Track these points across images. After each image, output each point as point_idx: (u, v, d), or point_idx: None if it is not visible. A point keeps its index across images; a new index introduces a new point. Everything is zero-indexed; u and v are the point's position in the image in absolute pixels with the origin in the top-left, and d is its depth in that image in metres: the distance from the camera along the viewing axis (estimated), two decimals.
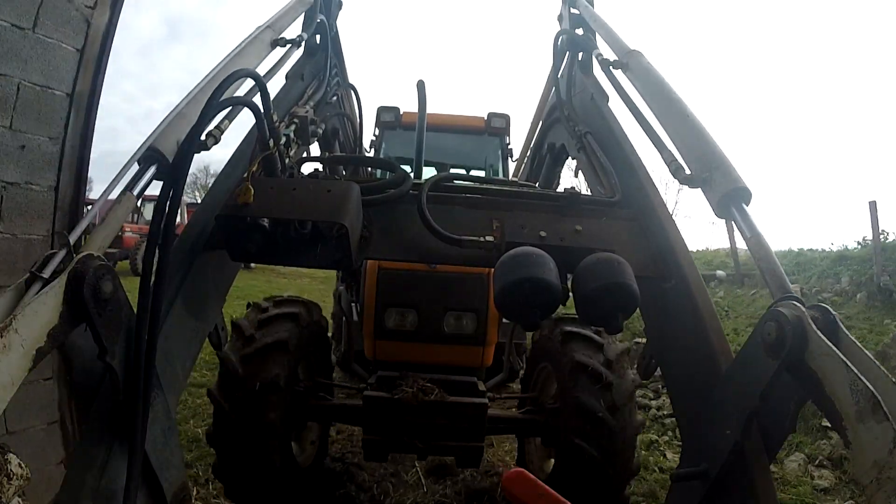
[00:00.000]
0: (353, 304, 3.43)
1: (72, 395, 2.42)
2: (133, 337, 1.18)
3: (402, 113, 5.47)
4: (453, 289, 3.04)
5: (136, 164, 1.32)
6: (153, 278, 1.20)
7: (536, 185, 3.32)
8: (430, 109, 2.71)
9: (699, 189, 1.50)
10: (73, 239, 1.18)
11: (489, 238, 1.62)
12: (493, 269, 1.51)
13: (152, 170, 1.31)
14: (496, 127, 5.59)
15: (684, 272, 1.57)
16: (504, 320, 3.27)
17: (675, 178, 1.55)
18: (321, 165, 3.01)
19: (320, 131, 2.37)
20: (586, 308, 1.45)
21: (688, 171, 1.53)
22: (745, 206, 1.39)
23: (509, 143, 5.65)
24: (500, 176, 5.52)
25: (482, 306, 3.05)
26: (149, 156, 1.32)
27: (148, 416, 1.18)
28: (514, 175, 5.04)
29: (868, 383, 0.98)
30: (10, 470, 0.80)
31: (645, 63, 1.90)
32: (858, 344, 1.10)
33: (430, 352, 3.10)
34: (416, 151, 2.71)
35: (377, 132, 5.52)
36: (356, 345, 3.47)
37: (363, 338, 3.20)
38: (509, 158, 5.57)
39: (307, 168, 2.14)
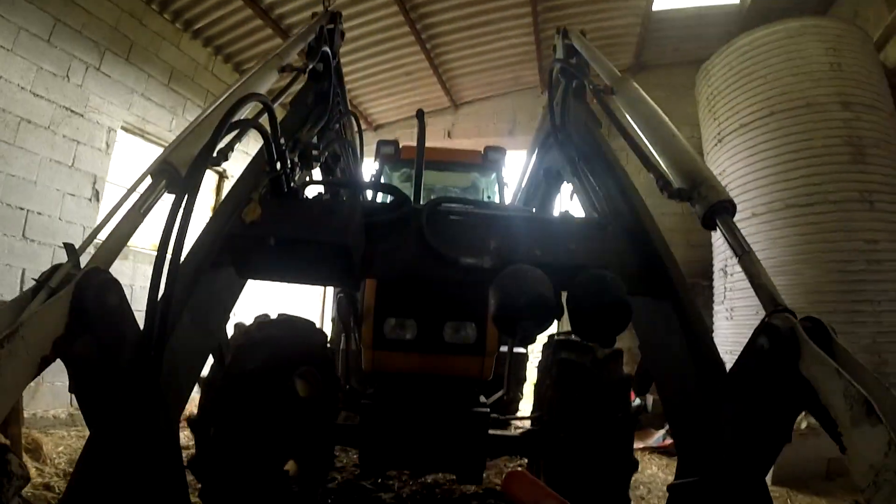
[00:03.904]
0: (352, 324, 3.41)
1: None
2: (137, 351, 1.19)
3: (401, 146, 5.55)
4: (453, 298, 3.00)
5: (148, 178, 1.35)
6: (161, 293, 1.21)
7: (533, 210, 3.38)
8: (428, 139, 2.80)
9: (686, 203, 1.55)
10: (80, 251, 1.21)
11: (486, 258, 1.65)
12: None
13: (163, 183, 1.35)
14: (492, 160, 5.66)
15: (675, 288, 1.60)
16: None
17: (663, 192, 1.60)
18: (324, 189, 3.08)
19: (323, 157, 2.43)
20: (581, 323, 1.47)
21: (675, 186, 1.58)
22: (729, 217, 1.44)
23: (505, 176, 5.73)
24: None
25: (482, 316, 3.00)
26: (162, 170, 1.35)
27: (151, 431, 1.18)
28: (511, 201, 5.10)
29: (861, 388, 0.98)
30: (10, 470, 0.80)
31: (633, 88, 1.98)
32: (850, 352, 1.11)
33: (430, 362, 3.04)
34: (416, 176, 2.76)
35: (378, 165, 5.59)
36: (354, 364, 3.44)
37: (362, 351, 3.14)
38: (505, 189, 5.64)
39: (310, 191, 2.19)
